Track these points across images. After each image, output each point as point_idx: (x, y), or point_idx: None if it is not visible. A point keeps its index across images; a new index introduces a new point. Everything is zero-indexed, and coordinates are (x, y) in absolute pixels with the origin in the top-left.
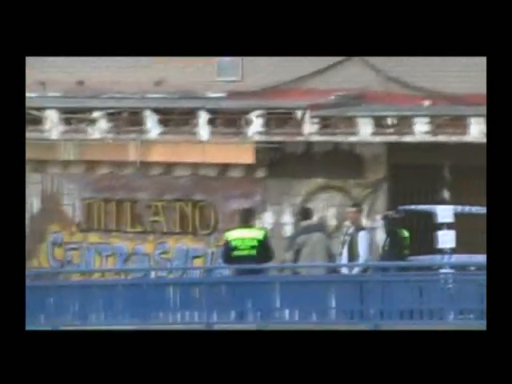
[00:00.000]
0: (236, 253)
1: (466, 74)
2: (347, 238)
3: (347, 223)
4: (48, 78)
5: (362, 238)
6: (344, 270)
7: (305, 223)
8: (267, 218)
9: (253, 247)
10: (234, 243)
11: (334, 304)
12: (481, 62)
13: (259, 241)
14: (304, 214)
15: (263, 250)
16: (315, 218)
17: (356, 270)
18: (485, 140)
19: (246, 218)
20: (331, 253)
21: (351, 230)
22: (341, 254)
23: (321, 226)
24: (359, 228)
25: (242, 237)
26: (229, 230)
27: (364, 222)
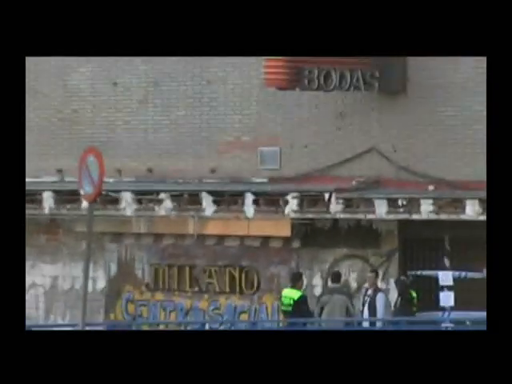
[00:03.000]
0: (281, 307)
1: (464, 164)
2: (367, 299)
3: (366, 285)
4: (123, 166)
5: (380, 299)
6: (365, 324)
7: (330, 286)
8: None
9: (289, 305)
10: (282, 300)
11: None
12: (476, 152)
13: (294, 300)
14: (334, 277)
15: (297, 307)
16: (343, 281)
17: (378, 325)
18: (479, 218)
19: (293, 280)
20: (349, 311)
21: (370, 291)
22: (361, 311)
23: (342, 289)
24: (377, 290)
25: (285, 295)
26: (283, 288)
27: (380, 284)
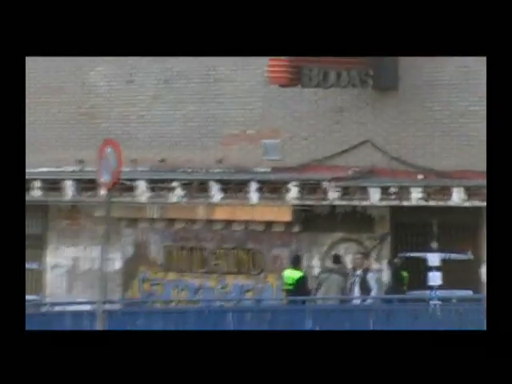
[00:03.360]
0: (283, 286)
1: (450, 155)
2: (357, 279)
3: (353, 266)
4: (138, 156)
5: (371, 278)
6: (356, 302)
7: (328, 266)
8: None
9: (291, 284)
10: (284, 279)
11: (349, 327)
12: (462, 144)
13: (295, 279)
14: (335, 258)
15: (298, 286)
16: (340, 262)
17: (368, 302)
18: (465, 204)
19: (294, 262)
20: (344, 290)
21: (359, 272)
22: (351, 291)
23: (339, 270)
24: (367, 270)
25: (287, 275)
26: (284, 269)
27: (371, 265)
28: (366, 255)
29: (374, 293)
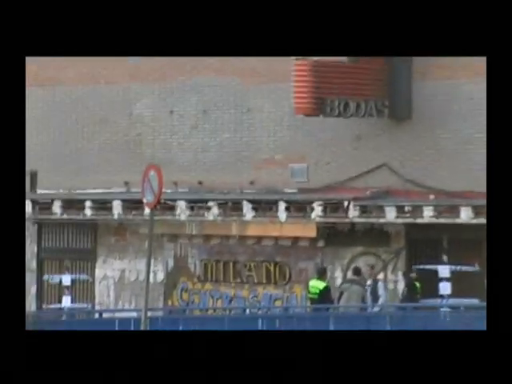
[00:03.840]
0: (308, 295)
1: (459, 177)
2: (368, 288)
3: (366, 277)
4: (179, 179)
5: (380, 287)
6: (375, 309)
7: (349, 277)
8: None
9: (316, 293)
10: (309, 289)
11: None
12: (469, 168)
13: (320, 289)
14: (355, 271)
15: (323, 295)
16: (360, 274)
17: (376, 309)
18: (472, 222)
19: (319, 273)
20: (364, 299)
21: (369, 281)
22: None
23: (360, 281)
24: (376, 280)
25: (312, 285)
26: (309, 280)
27: (382, 276)
28: (373, 267)
29: (382, 300)
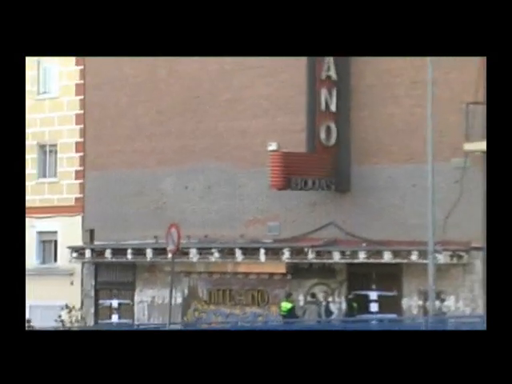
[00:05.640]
0: (280, 313)
1: (384, 230)
2: (322, 307)
3: (321, 300)
4: (191, 233)
5: (332, 307)
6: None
7: (309, 300)
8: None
9: (285, 311)
10: (281, 308)
11: None
12: (392, 224)
13: (288, 308)
14: (312, 295)
15: (290, 313)
16: (316, 298)
17: (329, 322)
18: (392, 261)
19: (287, 297)
20: (320, 314)
21: (324, 302)
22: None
23: (316, 302)
24: (329, 302)
25: (283, 305)
26: (281, 301)
27: (331, 299)
28: (327, 292)
29: (334, 315)
